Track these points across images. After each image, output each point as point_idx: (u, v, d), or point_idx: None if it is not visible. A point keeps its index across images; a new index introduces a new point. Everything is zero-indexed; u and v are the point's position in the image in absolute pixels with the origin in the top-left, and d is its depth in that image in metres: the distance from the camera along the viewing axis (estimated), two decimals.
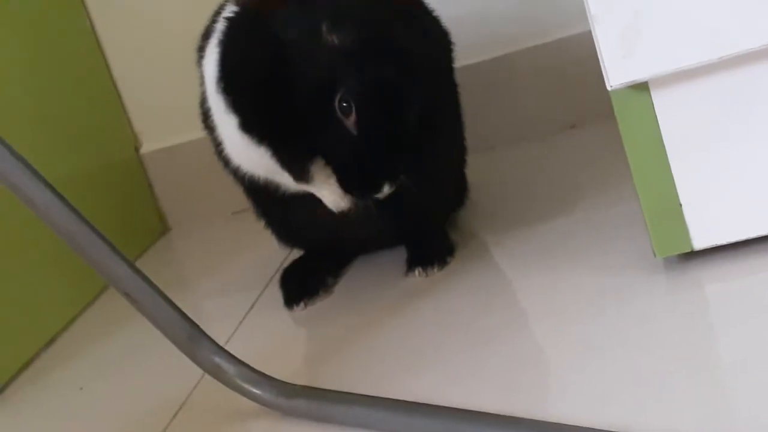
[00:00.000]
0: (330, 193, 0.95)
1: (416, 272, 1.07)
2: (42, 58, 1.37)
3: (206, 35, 1.01)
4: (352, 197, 0.94)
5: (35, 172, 0.80)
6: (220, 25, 0.98)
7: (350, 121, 0.90)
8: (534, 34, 1.36)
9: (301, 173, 0.94)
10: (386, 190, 0.93)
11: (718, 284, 0.86)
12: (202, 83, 1.02)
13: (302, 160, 0.93)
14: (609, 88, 0.83)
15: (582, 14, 0.82)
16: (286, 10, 0.92)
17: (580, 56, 1.26)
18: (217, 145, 1.03)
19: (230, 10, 0.97)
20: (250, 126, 0.94)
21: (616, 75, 0.82)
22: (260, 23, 0.93)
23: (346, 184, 0.93)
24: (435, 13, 1.10)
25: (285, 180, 0.98)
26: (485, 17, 1.37)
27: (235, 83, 0.95)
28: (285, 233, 1.15)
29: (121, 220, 1.45)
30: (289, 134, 0.93)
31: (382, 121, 0.91)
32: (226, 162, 1.04)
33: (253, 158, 0.96)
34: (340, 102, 0.89)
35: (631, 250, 0.95)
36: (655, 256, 0.89)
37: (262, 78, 0.92)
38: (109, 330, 1.21)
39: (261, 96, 0.93)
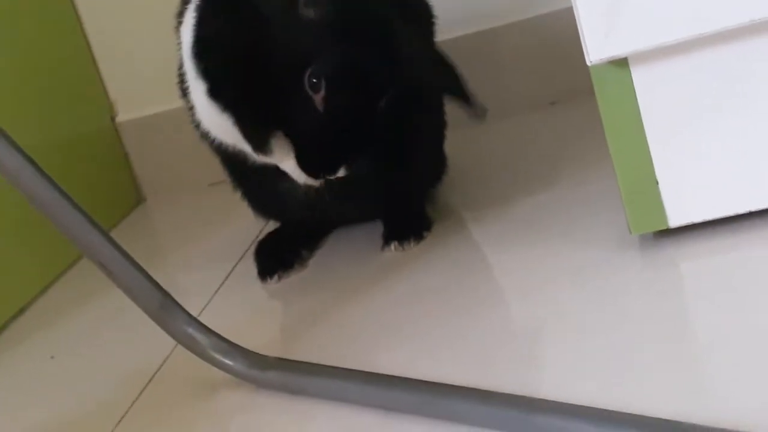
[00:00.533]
0: (295, 167, 0.95)
1: (392, 246, 1.07)
2: (16, 24, 1.36)
3: (185, 1, 1.00)
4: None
5: (9, 139, 0.79)
6: None
7: (318, 98, 0.89)
8: (516, 9, 1.36)
9: (260, 145, 0.94)
10: (342, 173, 0.92)
11: (693, 262, 0.87)
12: (179, 49, 1.01)
13: (263, 132, 0.93)
14: (589, 64, 0.82)
15: None
16: None
17: (561, 32, 1.25)
18: (191, 109, 1.02)
19: None
20: (216, 93, 0.94)
21: (596, 51, 0.81)
22: None
23: (301, 162, 0.92)
24: None
25: (250, 150, 0.97)
26: None
27: (206, 49, 0.94)
28: (260, 205, 1.15)
29: (97, 190, 1.44)
30: (254, 104, 0.92)
31: (350, 102, 0.90)
32: (197, 126, 1.03)
33: (221, 125, 0.96)
34: (310, 77, 0.88)
35: (607, 227, 0.95)
36: (630, 233, 0.89)
37: (233, 46, 0.92)
38: (82, 300, 1.20)
39: (230, 63, 0.92)
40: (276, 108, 0.91)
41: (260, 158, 0.97)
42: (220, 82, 0.93)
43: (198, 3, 0.96)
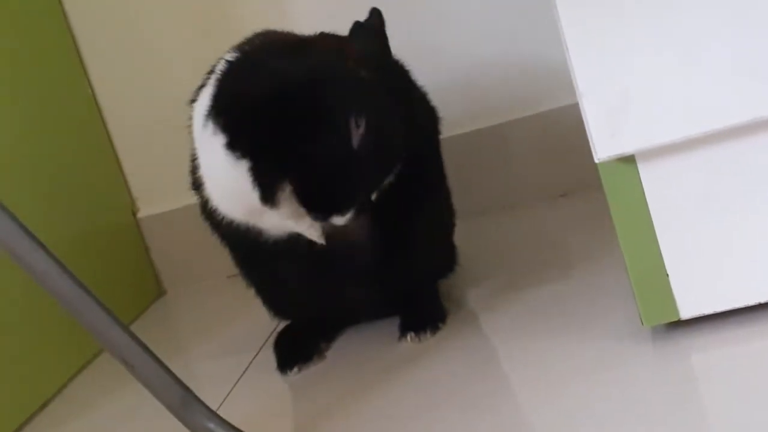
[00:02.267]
0: (299, 220, 0.97)
1: (409, 337, 1.08)
2: (41, 123, 1.39)
3: (201, 87, 1.02)
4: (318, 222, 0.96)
5: (33, 237, 0.81)
6: (220, 67, 0.99)
7: (357, 134, 0.93)
8: (526, 105, 1.39)
9: (268, 195, 0.94)
10: (348, 217, 0.94)
11: (705, 353, 0.87)
12: (191, 132, 1.02)
13: (273, 179, 0.93)
14: (596, 161, 0.85)
15: (571, 86, 0.84)
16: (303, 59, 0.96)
17: (570, 127, 1.28)
18: (203, 204, 1.04)
19: (231, 56, 0.99)
20: (234, 143, 0.94)
21: (603, 148, 0.84)
22: (263, 63, 0.97)
23: (309, 202, 0.94)
24: (423, 89, 1.12)
25: (264, 221, 0.99)
26: (480, 87, 1.39)
27: (227, 104, 0.96)
28: (277, 305, 1.16)
29: (118, 283, 1.46)
30: (270, 150, 0.93)
31: (382, 145, 0.95)
32: (208, 215, 1.05)
33: (232, 190, 0.97)
34: (356, 117, 0.93)
35: (618, 318, 0.96)
36: (642, 324, 0.90)
37: (253, 99, 0.94)
38: (103, 394, 1.21)
39: (249, 114, 0.94)
40: (293, 153, 0.93)
41: (274, 222, 0.98)
42: (239, 132, 0.95)
43: (219, 76, 0.98)
